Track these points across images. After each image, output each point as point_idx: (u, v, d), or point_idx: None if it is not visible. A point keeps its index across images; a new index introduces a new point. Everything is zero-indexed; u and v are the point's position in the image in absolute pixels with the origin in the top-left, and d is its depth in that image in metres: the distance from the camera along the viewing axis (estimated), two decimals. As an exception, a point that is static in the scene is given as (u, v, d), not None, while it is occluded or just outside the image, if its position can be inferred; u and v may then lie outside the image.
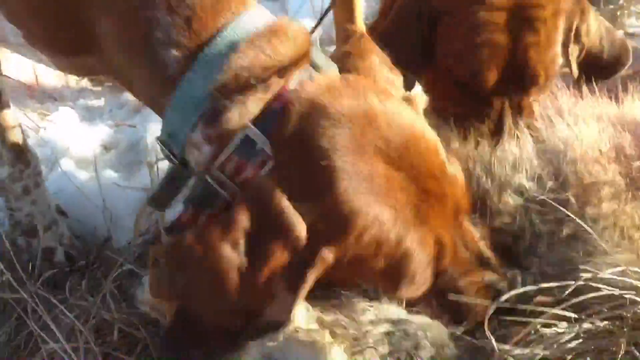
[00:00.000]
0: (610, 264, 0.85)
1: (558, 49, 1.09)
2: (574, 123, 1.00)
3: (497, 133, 1.06)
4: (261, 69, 0.73)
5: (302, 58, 0.77)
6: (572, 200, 0.92)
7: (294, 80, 0.75)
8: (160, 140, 0.81)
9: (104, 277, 1.13)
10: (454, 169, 0.80)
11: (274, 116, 0.73)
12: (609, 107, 1.05)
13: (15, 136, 1.14)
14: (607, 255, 0.87)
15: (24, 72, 1.77)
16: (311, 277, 0.70)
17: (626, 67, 1.22)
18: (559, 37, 1.08)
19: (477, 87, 1.05)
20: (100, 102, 1.76)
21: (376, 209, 0.71)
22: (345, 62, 0.84)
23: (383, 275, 0.76)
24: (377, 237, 0.71)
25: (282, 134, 0.72)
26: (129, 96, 1.81)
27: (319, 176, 0.70)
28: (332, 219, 0.70)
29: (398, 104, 0.78)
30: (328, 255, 0.70)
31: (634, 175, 0.93)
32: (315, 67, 0.79)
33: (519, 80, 1.06)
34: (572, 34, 1.11)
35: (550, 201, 0.91)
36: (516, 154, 0.98)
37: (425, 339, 0.81)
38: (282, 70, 0.75)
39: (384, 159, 0.72)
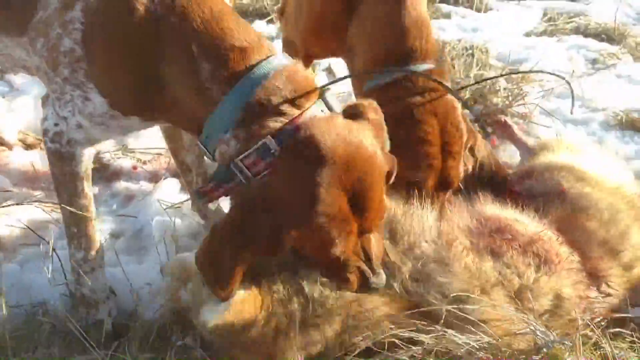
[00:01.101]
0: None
1: (462, 166, 1.68)
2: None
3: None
4: (278, 98, 1.15)
5: (310, 94, 1.18)
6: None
7: (309, 112, 1.16)
8: (200, 141, 1.23)
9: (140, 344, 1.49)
10: (386, 202, 1.23)
11: (286, 134, 1.13)
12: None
13: (92, 227, 1.48)
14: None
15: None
16: (285, 242, 1.13)
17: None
18: (463, 158, 1.68)
19: (423, 187, 1.59)
20: (94, 191, 2.08)
21: (326, 213, 1.11)
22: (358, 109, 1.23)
23: (318, 245, 1.16)
24: (324, 227, 1.12)
25: (289, 149, 1.12)
26: (120, 185, 2.16)
27: (302, 185, 1.11)
28: (303, 214, 1.11)
29: (369, 150, 1.17)
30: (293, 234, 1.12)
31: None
32: (327, 105, 1.21)
33: (445, 184, 1.63)
34: (468, 151, 1.72)
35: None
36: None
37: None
38: (294, 100, 1.16)
39: (341, 186, 1.12)
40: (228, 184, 1.20)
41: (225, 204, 1.86)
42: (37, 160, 2.16)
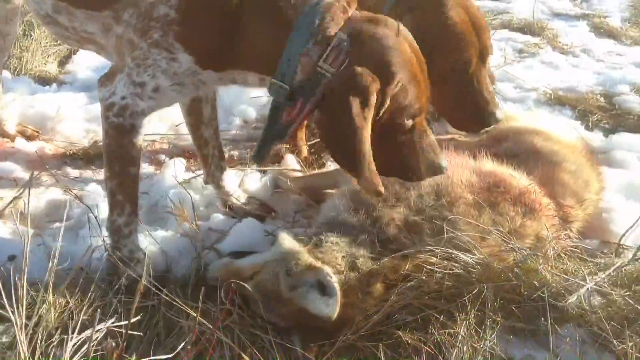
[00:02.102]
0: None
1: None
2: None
3: None
4: (336, 8, 1.41)
5: (351, 5, 1.45)
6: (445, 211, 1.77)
7: (354, 13, 1.44)
8: (272, 82, 1.42)
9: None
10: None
11: (350, 28, 1.40)
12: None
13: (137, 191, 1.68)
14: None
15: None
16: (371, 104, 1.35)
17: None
18: None
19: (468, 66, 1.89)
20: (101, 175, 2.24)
21: (405, 75, 1.40)
22: None
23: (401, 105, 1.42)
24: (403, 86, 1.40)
25: (356, 38, 1.38)
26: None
27: (379, 61, 1.38)
28: (385, 77, 1.36)
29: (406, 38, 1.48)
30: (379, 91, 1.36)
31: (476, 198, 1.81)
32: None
33: (484, 56, 1.96)
34: None
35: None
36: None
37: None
38: (345, 10, 1.43)
39: (410, 59, 1.42)
40: (314, 97, 1.40)
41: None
42: (40, 148, 2.30)
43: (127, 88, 1.53)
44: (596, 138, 2.68)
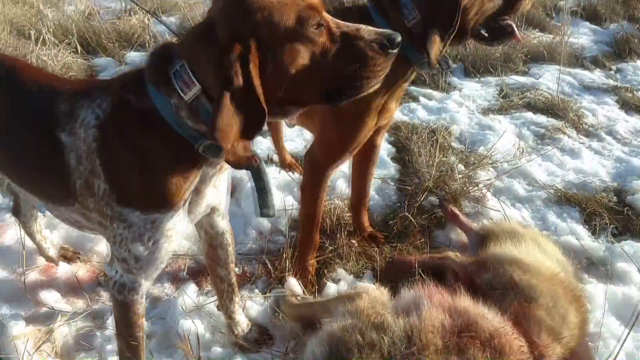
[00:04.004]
0: None
1: None
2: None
3: None
4: None
5: None
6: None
7: None
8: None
9: None
10: None
11: None
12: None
13: (143, 352, 1.93)
14: None
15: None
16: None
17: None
18: None
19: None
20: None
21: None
22: None
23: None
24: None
25: None
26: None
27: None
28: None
29: None
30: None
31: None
32: None
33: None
34: None
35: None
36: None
37: None
38: None
39: None
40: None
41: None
42: (78, 272, 2.64)
43: (119, 266, 1.73)
44: (599, 248, 2.72)
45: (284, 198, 2.98)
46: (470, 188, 3.12)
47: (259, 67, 1.37)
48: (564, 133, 3.80)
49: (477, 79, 4.62)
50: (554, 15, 5.42)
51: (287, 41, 1.39)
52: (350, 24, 1.53)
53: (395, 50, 1.52)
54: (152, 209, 1.60)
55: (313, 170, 2.42)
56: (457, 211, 2.90)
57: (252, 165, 1.45)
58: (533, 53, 4.88)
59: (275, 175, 3.25)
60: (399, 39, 1.52)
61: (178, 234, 1.70)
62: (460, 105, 4.21)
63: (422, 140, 3.57)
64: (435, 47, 2.03)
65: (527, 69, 4.74)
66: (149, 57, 1.57)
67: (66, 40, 4.92)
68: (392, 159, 3.53)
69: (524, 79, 4.57)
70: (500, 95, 4.37)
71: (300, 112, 1.57)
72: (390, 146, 3.68)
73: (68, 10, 5.49)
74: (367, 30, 1.51)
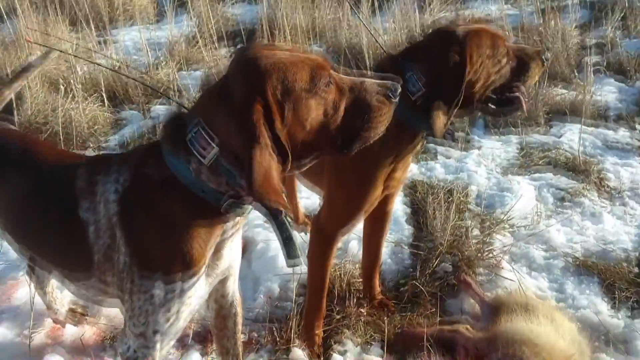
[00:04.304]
0: None
1: None
2: None
3: None
4: None
5: None
6: None
7: None
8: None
9: None
10: None
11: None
12: None
13: None
14: None
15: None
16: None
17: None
18: None
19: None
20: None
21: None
22: None
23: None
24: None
25: None
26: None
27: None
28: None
29: None
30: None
31: None
32: None
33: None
34: None
35: None
36: None
37: None
38: None
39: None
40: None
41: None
42: (84, 334, 2.63)
43: (133, 342, 1.71)
44: (618, 324, 2.60)
45: (293, 263, 2.95)
46: (485, 254, 3.04)
47: (279, 124, 1.45)
48: (585, 196, 3.69)
49: (497, 136, 4.57)
50: (578, 72, 5.36)
51: (302, 99, 1.48)
52: (354, 77, 1.63)
53: (397, 99, 1.63)
54: (176, 276, 1.61)
55: (320, 236, 2.40)
56: (470, 279, 2.83)
57: (285, 204, 1.48)
58: (555, 109, 4.81)
59: (287, 236, 3.23)
60: (399, 87, 1.63)
61: (198, 299, 1.72)
62: (479, 164, 4.15)
63: (438, 202, 3.51)
64: (439, 121, 2.02)
65: (549, 126, 4.67)
66: (162, 128, 1.63)
67: (94, 94, 5.07)
68: (406, 220, 3.49)
69: (546, 137, 4.49)
70: (521, 154, 4.30)
71: (312, 163, 1.64)
72: (405, 206, 3.64)
73: (99, 63, 5.68)
74: (370, 83, 1.62)
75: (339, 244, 3.21)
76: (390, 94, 1.61)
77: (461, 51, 2.02)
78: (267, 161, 1.41)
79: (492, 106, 2.19)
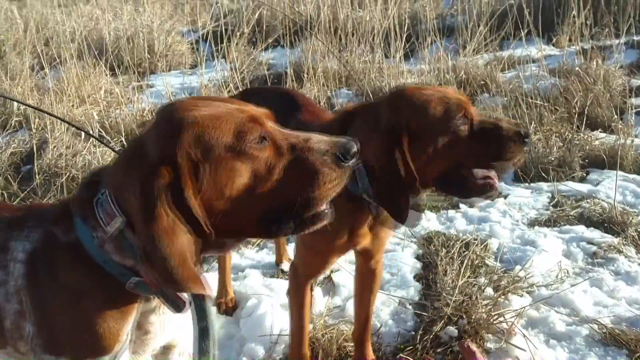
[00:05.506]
0: None
1: None
2: None
3: None
4: None
5: None
6: None
7: None
8: None
9: None
10: None
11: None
12: None
13: None
14: None
15: None
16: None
17: None
18: None
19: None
20: None
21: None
22: None
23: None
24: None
25: None
26: None
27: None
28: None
29: None
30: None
31: None
32: None
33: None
34: None
35: None
36: None
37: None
38: None
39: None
40: None
41: None
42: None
43: None
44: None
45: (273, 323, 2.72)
46: (497, 318, 2.71)
47: (192, 192, 1.22)
48: (621, 251, 3.30)
49: (527, 183, 4.24)
50: (617, 116, 4.97)
51: (223, 159, 1.25)
52: (300, 133, 1.36)
53: (351, 162, 1.33)
54: (84, 358, 1.42)
55: (294, 278, 2.32)
56: (474, 348, 2.51)
57: (204, 289, 1.24)
58: (593, 155, 4.44)
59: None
60: (355, 148, 1.33)
61: None
62: (504, 214, 3.83)
63: (452, 256, 3.22)
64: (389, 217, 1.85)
65: (585, 174, 4.31)
66: (79, 185, 1.45)
67: (115, 139, 5.09)
68: (415, 276, 3.19)
69: (581, 185, 4.13)
70: (551, 204, 3.94)
71: (236, 247, 1.38)
72: (416, 260, 3.35)
73: (124, 111, 5.74)
74: (318, 140, 1.33)
75: (338, 302, 3.00)
76: (341, 156, 1.32)
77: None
78: (175, 240, 1.19)
79: (454, 187, 1.87)
